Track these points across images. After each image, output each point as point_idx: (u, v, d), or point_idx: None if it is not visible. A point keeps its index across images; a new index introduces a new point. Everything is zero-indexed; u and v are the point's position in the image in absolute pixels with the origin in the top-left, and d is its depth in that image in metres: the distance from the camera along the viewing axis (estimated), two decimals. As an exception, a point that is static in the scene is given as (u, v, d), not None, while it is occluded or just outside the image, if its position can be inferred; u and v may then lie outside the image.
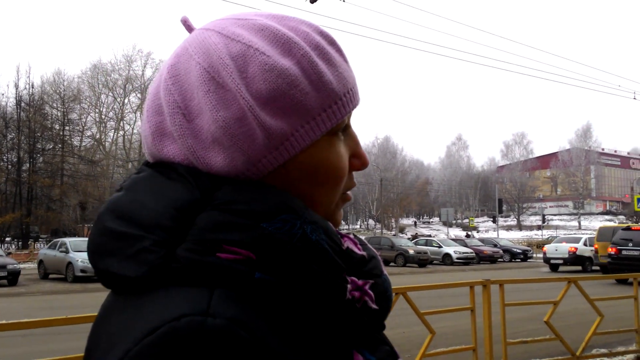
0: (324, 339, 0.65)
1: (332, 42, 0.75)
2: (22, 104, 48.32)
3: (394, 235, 56.35)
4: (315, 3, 15.37)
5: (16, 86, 51.99)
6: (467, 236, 52.97)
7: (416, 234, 64.57)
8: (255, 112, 0.67)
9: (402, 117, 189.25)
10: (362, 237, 0.80)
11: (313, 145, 0.71)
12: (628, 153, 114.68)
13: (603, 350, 8.06)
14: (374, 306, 0.70)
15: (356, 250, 0.72)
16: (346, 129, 0.76)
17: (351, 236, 0.75)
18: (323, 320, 0.66)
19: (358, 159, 0.77)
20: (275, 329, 0.61)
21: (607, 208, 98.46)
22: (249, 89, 0.67)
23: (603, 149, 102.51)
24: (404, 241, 36.79)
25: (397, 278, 21.71)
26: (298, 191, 0.71)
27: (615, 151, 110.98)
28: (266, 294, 0.62)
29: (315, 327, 0.65)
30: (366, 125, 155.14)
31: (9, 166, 48.70)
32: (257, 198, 0.66)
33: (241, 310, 0.59)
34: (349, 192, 0.79)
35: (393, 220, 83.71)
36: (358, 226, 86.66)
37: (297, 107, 0.69)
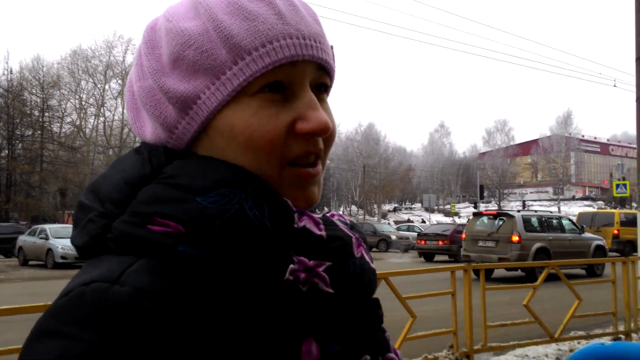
0: (259, 322, 0.62)
1: None
2: (1, 90, 47.40)
3: (377, 221, 56.47)
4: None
5: (-6, 72, 51.13)
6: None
7: (408, 219, 64.75)
8: (156, 78, 0.69)
9: (386, 104, 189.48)
10: (347, 219, 0.76)
11: (227, 107, 0.67)
12: (607, 140, 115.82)
13: (581, 333, 8.18)
14: (328, 289, 0.65)
15: (315, 230, 0.67)
16: (289, 90, 0.69)
17: (316, 216, 0.69)
18: (260, 301, 0.62)
19: (305, 121, 0.68)
20: (198, 304, 0.59)
21: (587, 194, 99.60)
22: (159, 59, 0.69)
23: (583, 136, 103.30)
24: (386, 227, 36.86)
25: (379, 263, 21.80)
26: (226, 160, 0.67)
27: (595, 138, 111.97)
28: (192, 268, 0.61)
29: (249, 308, 0.62)
30: (350, 112, 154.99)
31: (-13, 153, 47.94)
32: (199, 171, 0.65)
33: (156, 281, 0.59)
34: (307, 168, 0.70)
35: (376, 206, 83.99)
36: (341, 212, 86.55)
37: (196, 67, 0.67)
